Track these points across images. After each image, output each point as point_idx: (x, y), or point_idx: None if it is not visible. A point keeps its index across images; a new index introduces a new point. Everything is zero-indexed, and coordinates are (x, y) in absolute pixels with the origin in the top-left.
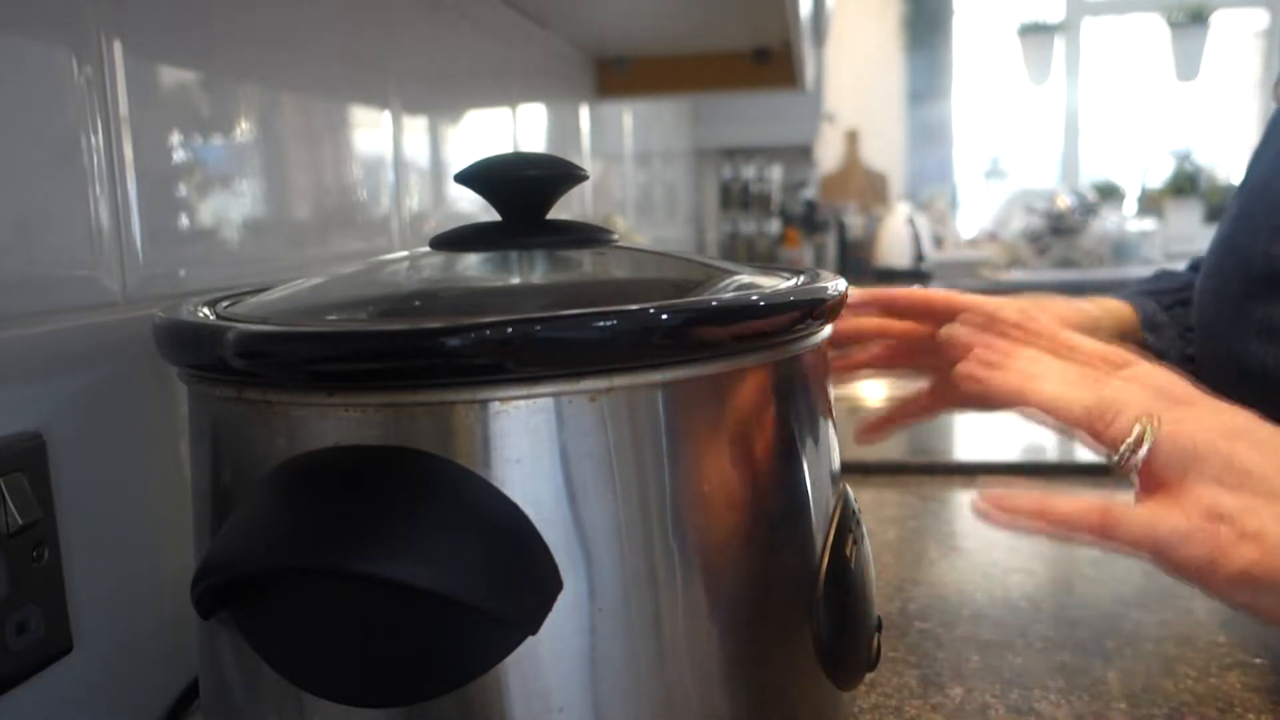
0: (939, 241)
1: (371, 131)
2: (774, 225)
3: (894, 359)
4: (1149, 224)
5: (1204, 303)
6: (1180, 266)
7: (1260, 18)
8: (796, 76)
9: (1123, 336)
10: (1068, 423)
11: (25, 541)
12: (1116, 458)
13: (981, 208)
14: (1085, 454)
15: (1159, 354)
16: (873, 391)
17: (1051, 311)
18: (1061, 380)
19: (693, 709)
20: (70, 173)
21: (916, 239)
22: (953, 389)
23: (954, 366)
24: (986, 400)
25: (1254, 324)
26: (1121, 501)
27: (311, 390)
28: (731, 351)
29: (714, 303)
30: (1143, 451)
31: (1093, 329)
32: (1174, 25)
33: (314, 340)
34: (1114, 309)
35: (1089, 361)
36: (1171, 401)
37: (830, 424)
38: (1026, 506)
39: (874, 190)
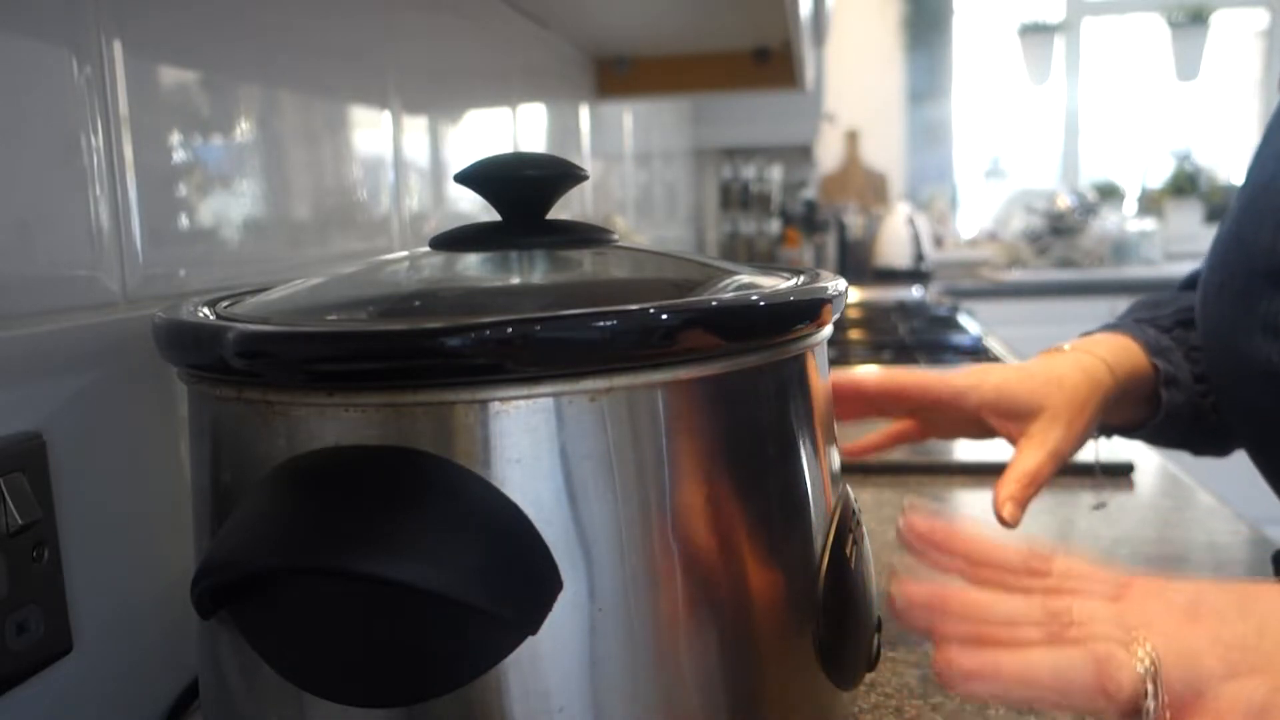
0: (939, 241)
1: (371, 131)
2: (774, 225)
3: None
4: (1149, 224)
5: (1207, 298)
6: (1180, 267)
7: (1260, 18)
8: (796, 76)
9: (1134, 371)
10: (1077, 703)
11: (25, 541)
12: (1147, 714)
13: (981, 208)
14: (1080, 454)
15: (1170, 379)
16: None
17: (1065, 388)
18: (1044, 653)
19: (693, 709)
20: (70, 173)
21: (916, 239)
22: (939, 426)
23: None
24: (992, 698)
25: (1258, 320)
26: None
27: (311, 390)
28: (731, 352)
29: (714, 303)
30: (1161, 689)
31: (1108, 379)
32: (1174, 25)
33: (314, 340)
34: (1117, 348)
35: (1016, 575)
36: (1120, 601)
37: (830, 424)
38: None
39: (874, 190)
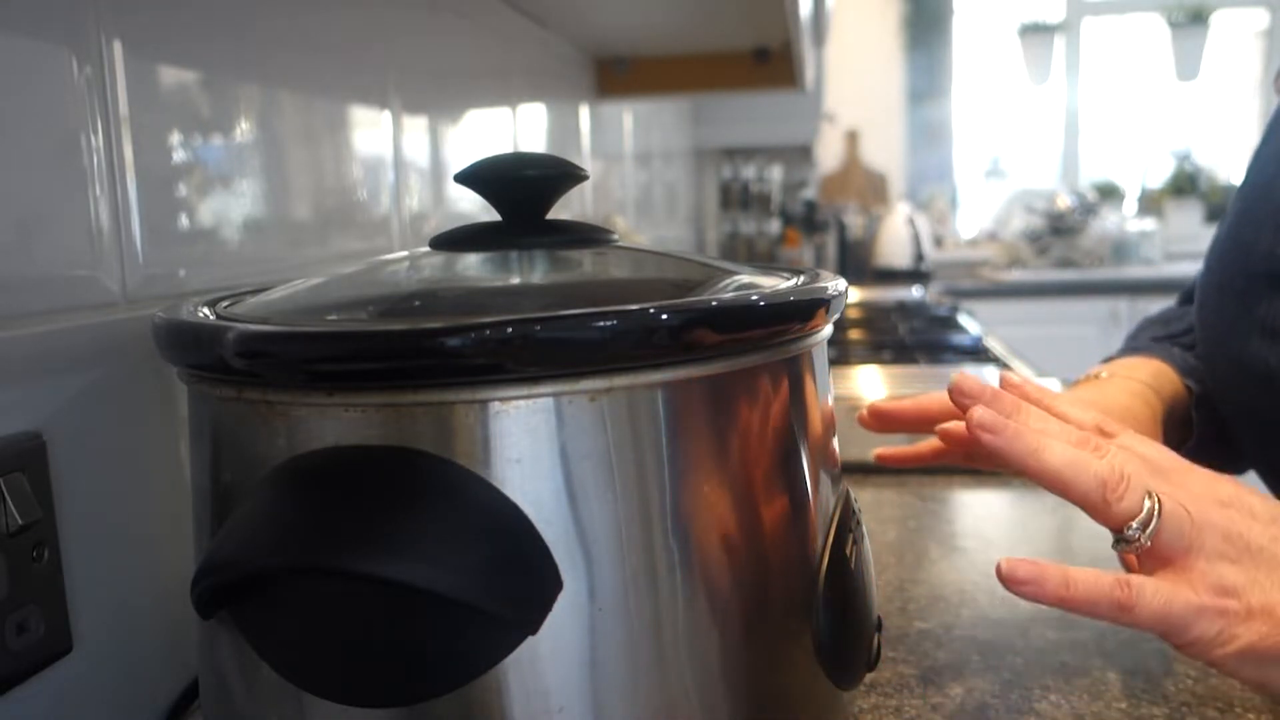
0: (939, 241)
1: (371, 131)
2: (774, 225)
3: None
4: (1149, 224)
5: (1206, 300)
6: (1179, 267)
7: (1260, 18)
8: (796, 76)
9: (1174, 395)
10: (1074, 497)
11: (25, 541)
12: (1126, 537)
13: (981, 208)
14: None
15: (1201, 400)
16: (873, 391)
17: (1112, 407)
18: (1067, 447)
19: (693, 709)
20: (70, 173)
21: (916, 239)
22: (984, 459)
23: (966, 416)
24: (999, 457)
25: (1256, 323)
26: (1137, 580)
27: (311, 390)
28: (731, 352)
29: (714, 303)
30: (1151, 529)
31: (1158, 403)
32: (1174, 25)
33: (314, 340)
34: (1156, 372)
35: (1083, 429)
36: (1160, 473)
37: (831, 423)
38: (1050, 584)
39: (874, 190)
